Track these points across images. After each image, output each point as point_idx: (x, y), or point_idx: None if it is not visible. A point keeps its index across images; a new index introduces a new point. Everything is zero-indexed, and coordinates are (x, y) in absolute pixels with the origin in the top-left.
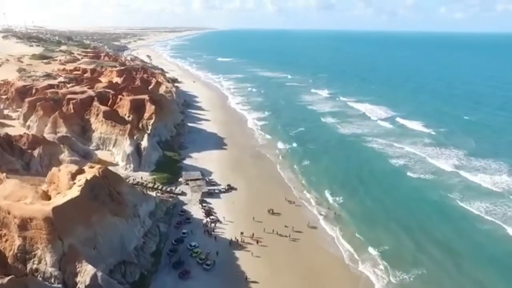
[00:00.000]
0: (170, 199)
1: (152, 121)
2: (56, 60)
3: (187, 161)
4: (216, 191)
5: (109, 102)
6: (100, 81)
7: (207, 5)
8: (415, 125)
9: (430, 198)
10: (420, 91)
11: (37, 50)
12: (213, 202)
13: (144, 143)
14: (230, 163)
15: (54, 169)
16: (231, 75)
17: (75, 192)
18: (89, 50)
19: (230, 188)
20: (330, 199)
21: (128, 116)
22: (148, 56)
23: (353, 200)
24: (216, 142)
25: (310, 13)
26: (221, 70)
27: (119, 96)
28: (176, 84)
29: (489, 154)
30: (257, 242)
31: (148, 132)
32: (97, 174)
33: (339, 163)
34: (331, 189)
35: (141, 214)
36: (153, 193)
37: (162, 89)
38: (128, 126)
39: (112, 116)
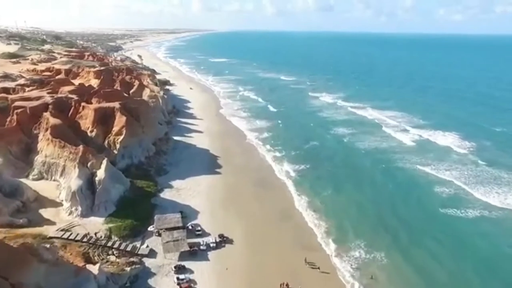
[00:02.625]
0: (129, 268)
1: (121, 137)
2: (28, 59)
3: (165, 194)
4: (202, 247)
5: (70, 112)
6: (72, 84)
7: (206, 7)
8: (436, 138)
9: (491, 253)
10: (427, 94)
11: (14, 48)
12: (196, 269)
13: (100, 173)
14: (225, 196)
15: None
16: (228, 76)
17: None
18: (74, 49)
19: (223, 241)
20: (368, 256)
21: (91, 131)
22: (139, 56)
23: (392, 257)
24: (208, 164)
25: (309, 14)
26: (217, 71)
27: (82, 104)
28: (167, 87)
29: None
30: None
31: (116, 151)
32: None
33: (363, 194)
34: (364, 237)
35: None
36: (97, 266)
37: (145, 94)
38: (80, 148)
39: (64, 132)
